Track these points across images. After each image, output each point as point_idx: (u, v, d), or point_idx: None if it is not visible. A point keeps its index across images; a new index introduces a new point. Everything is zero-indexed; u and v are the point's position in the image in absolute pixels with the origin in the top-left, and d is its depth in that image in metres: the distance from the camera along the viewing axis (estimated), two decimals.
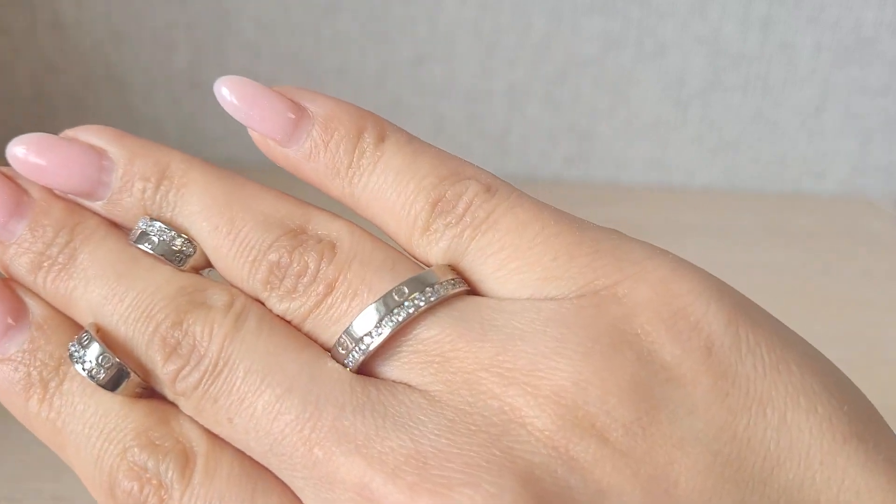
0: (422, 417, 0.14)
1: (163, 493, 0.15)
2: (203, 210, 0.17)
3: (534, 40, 0.59)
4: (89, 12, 0.58)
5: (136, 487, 0.15)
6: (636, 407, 0.13)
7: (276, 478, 0.15)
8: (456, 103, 0.60)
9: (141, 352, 0.16)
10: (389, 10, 0.57)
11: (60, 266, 0.17)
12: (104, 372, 0.16)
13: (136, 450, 0.15)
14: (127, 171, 0.17)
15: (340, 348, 0.15)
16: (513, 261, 0.15)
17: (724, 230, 0.56)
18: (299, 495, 0.15)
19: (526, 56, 0.59)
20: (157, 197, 0.17)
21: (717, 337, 0.14)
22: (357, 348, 0.15)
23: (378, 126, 0.17)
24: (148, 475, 0.15)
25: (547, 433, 0.13)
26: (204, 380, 0.15)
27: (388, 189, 0.16)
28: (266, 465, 0.15)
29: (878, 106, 0.61)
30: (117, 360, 0.16)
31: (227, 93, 0.17)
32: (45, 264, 0.17)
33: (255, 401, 0.15)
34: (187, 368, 0.15)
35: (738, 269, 0.51)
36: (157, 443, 0.15)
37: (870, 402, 0.15)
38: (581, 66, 0.59)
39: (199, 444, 0.15)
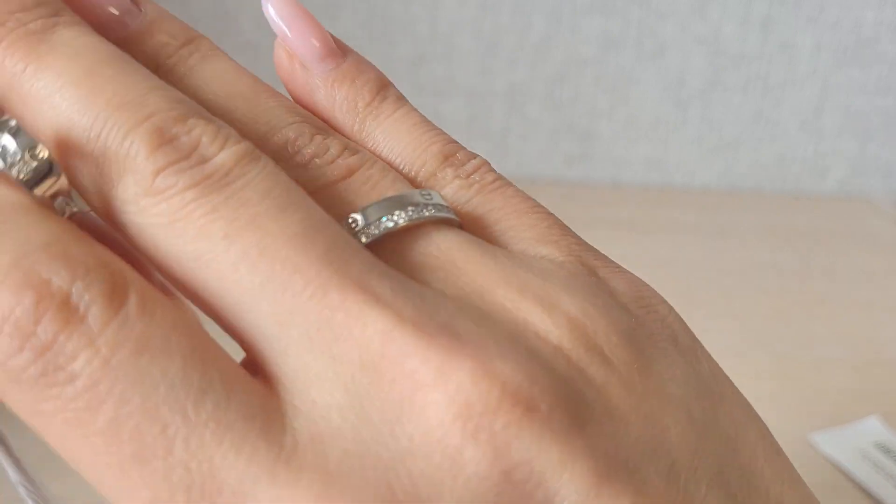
0: (446, 303, 0.12)
1: (69, 314, 0.11)
2: (223, 79, 0.15)
3: (534, 40, 0.59)
4: None
5: (28, 300, 0.11)
6: (634, 353, 0.13)
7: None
8: (456, 103, 0.60)
9: (109, 143, 0.12)
10: (389, 10, 0.57)
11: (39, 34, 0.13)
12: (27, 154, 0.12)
13: (41, 256, 0.11)
14: (156, 22, 0.15)
15: (351, 223, 0.13)
16: (512, 219, 0.15)
17: (724, 230, 0.56)
18: (274, 356, 0.12)
19: (526, 56, 0.59)
20: (177, 55, 0.15)
21: (680, 334, 0.14)
22: (374, 225, 0.13)
23: (399, 92, 0.17)
24: (51, 290, 0.11)
25: (563, 349, 0.12)
26: (209, 182, 0.12)
27: (403, 134, 0.16)
28: (241, 308, 0.12)
29: (878, 106, 0.61)
30: (48, 152, 0.12)
31: (273, 11, 0.16)
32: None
33: (267, 223, 0.12)
34: (186, 163, 0.12)
35: (739, 269, 0.51)
36: (74, 257, 0.11)
37: None
38: (581, 66, 0.59)
39: (134, 278, 0.11)
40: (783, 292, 0.48)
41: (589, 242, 0.16)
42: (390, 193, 0.14)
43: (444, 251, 0.13)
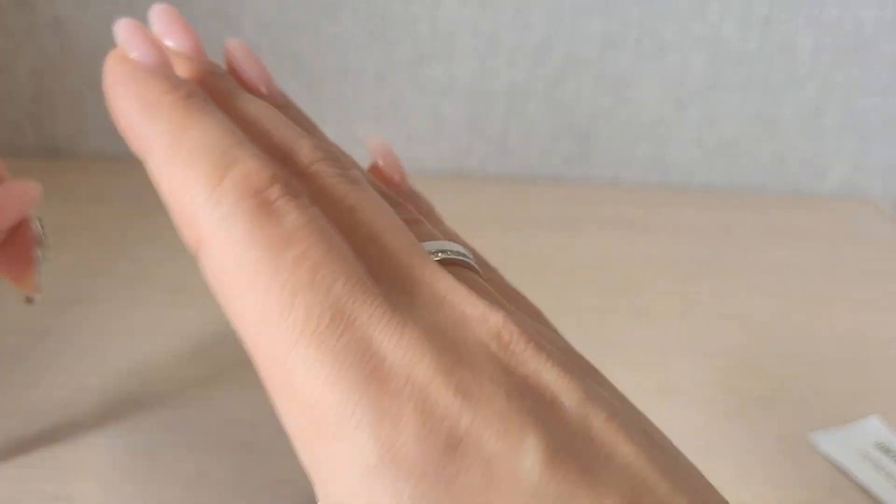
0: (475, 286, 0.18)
1: (292, 190, 0.16)
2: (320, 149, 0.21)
3: (534, 40, 0.59)
4: (89, 12, 0.58)
5: (267, 172, 0.16)
6: (582, 402, 0.16)
7: None
8: (456, 103, 0.60)
9: (283, 137, 0.18)
10: (389, 10, 0.57)
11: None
12: None
13: (267, 165, 0.16)
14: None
15: None
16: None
17: (724, 230, 0.56)
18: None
19: (526, 56, 0.59)
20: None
21: (619, 410, 0.18)
22: (432, 253, 0.19)
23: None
24: (282, 176, 0.16)
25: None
26: (344, 170, 0.18)
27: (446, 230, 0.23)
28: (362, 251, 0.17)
29: (878, 106, 0.61)
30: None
31: (382, 163, 0.23)
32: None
33: (376, 216, 0.17)
34: (331, 154, 0.18)
35: (739, 269, 0.51)
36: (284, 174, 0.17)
37: None
38: (581, 66, 0.59)
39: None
40: (783, 292, 0.48)
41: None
42: (443, 238, 0.20)
43: (469, 275, 0.19)
